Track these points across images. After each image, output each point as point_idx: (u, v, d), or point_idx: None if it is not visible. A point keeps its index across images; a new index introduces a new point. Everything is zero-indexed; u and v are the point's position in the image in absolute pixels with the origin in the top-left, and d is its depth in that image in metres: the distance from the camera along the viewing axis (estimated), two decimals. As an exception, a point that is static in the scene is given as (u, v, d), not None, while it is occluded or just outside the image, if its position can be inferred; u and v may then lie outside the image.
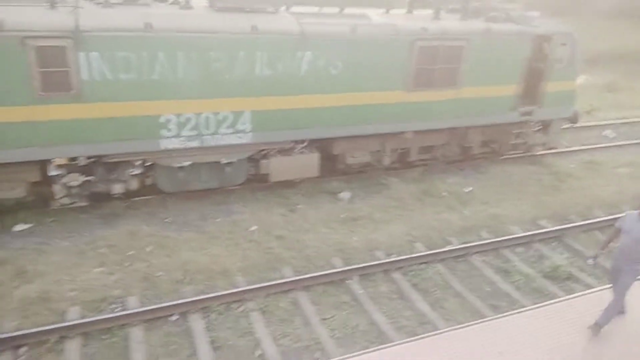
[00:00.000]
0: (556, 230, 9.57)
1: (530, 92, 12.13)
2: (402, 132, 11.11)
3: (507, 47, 11.32)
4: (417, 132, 11.28)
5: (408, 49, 10.18)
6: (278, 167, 10.20)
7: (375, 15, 10.57)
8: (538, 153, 13.38)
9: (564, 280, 8.30)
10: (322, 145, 10.67)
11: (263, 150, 10.01)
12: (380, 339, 6.75)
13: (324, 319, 6.99)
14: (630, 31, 41.78)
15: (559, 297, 7.58)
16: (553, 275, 8.34)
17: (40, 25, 7.46)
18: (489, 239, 9.22)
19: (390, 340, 6.56)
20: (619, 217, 6.32)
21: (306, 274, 7.80)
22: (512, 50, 11.41)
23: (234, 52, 8.79)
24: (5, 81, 7.47)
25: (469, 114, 11.53)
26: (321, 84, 9.70)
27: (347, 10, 10.40)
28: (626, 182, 12.12)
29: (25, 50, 7.41)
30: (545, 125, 13.01)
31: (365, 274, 7.97)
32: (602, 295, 6.89)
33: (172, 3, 9.15)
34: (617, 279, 6.19)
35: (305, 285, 7.52)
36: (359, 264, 8.14)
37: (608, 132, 15.96)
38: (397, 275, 8.00)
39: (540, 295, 7.82)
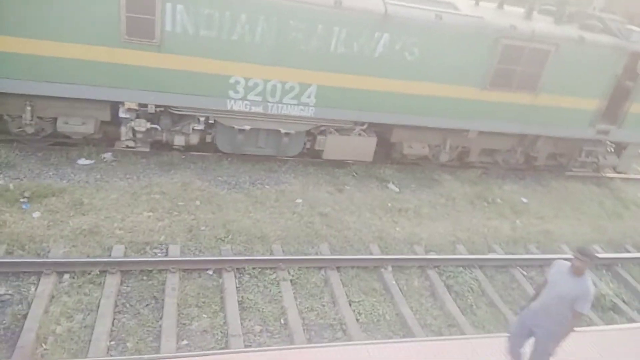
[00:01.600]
0: (609, 258, 9.08)
1: (612, 110, 11.38)
2: (467, 131, 10.80)
3: (597, 60, 10.60)
4: (482, 133, 10.91)
5: (491, 45, 9.77)
6: (333, 146, 10.22)
7: (464, 5, 10.18)
8: (607, 175, 12.62)
9: (607, 310, 7.92)
10: (380, 131, 10.57)
11: (322, 126, 10.05)
12: (403, 331, 6.74)
13: (352, 302, 7.03)
14: None
15: (597, 325, 7.25)
16: (596, 303, 7.94)
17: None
18: (536, 254, 8.89)
19: (413, 335, 6.54)
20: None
21: (342, 254, 7.88)
22: (602, 63, 10.67)
23: (313, 24, 8.77)
24: (96, 22, 7.87)
25: (542, 122, 10.99)
26: (394, 68, 9.52)
27: None
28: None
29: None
30: (620, 147, 12.22)
31: (400, 265, 7.93)
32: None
33: None
34: (527, 335, 5.17)
35: (339, 265, 7.59)
36: (396, 254, 8.11)
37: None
38: (432, 273, 7.90)
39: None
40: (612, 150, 12.33)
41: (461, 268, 8.14)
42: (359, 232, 8.57)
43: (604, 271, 8.97)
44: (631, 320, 7.67)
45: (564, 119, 11.09)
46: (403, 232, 8.83)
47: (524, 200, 10.90)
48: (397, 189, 10.37)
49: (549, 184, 11.84)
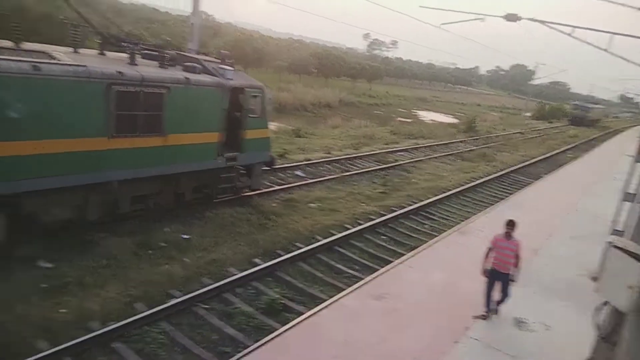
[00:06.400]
0: (268, 266, 10.45)
1: (233, 139, 13.08)
2: (108, 182, 10.32)
3: (207, 97, 11.97)
4: (125, 182, 10.65)
5: (104, 93, 9.62)
6: None
7: (61, 53, 9.64)
8: (245, 195, 14.46)
9: (279, 313, 9.03)
10: (5, 203, 8.88)
11: None
12: None
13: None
14: (300, 85, 50.40)
15: (276, 329, 8.02)
16: (268, 309, 9.00)
17: None
18: (210, 285, 9.35)
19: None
20: None
21: (-1, 369, 6.30)
22: (212, 100, 12.11)
23: None
24: None
25: (177, 161, 11.61)
26: None
27: (25, 45, 9.22)
28: (318, 215, 14.29)
29: None
30: (248, 170, 14.19)
31: (79, 350, 6.94)
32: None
33: None
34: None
35: (-2, 384, 6.04)
36: (70, 341, 7.03)
37: (299, 172, 18.60)
38: (119, 346, 7.25)
39: (262, 332, 8.28)
40: (244, 172, 14.18)
41: (145, 327, 7.79)
42: (17, 333, 7.02)
43: (268, 279, 10.24)
44: (300, 313, 8.86)
45: (195, 154, 12.05)
46: (72, 313, 7.76)
47: (186, 236, 11.30)
48: (49, 264, 9.01)
49: (203, 216, 12.62)
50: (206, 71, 12.30)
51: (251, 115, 13.32)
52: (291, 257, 11.05)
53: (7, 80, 8.16)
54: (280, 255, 11.15)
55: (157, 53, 11.85)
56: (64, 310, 7.80)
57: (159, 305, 8.39)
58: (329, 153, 23.16)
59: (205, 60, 12.84)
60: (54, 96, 8.89)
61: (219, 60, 13.35)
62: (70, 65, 9.21)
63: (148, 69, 10.79)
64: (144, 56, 11.70)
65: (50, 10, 28.25)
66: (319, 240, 12.31)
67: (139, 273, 9.38)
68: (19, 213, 9.14)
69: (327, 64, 68.95)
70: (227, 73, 12.53)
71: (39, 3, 38.83)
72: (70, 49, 10.20)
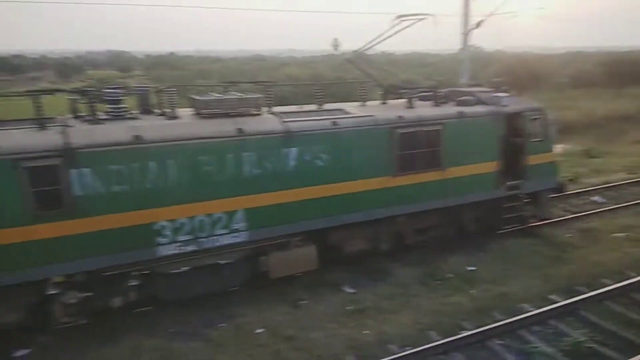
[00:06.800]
0: (569, 303, 9.34)
1: (513, 167, 12.46)
2: (395, 216, 11.19)
3: (482, 127, 11.82)
4: (409, 215, 11.38)
5: (388, 136, 10.59)
6: (277, 263, 10.08)
7: (352, 108, 11.07)
8: (533, 225, 13.45)
9: (587, 357, 7.96)
10: (318, 237, 10.60)
11: (260, 247, 9.92)
12: None
13: None
14: (586, 99, 44.41)
15: None
16: (575, 352, 8.01)
17: (31, 147, 7.67)
18: (503, 319, 8.92)
19: None
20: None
21: (321, 377, 7.40)
22: (487, 129, 11.89)
23: (223, 154, 9.09)
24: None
25: (456, 193, 11.72)
26: (309, 176, 9.97)
27: (325, 106, 10.95)
28: (626, 246, 12.16)
29: (18, 170, 7.52)
30: (534, 197, 13.21)
31: (382, 371, 7.57)
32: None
33: (159, 114, 9.52)
34: None
35: (321, 390, 7.08)
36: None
37: (597, 198, 16.29)
38: (415, 369, 7.61)
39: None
40: (530, 201, 13.26)
41: (441, 356, 7.94)
42: (330, 347, 8.17)
43: (569, 318, 9.13)
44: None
45: (474, 185, 11.92)
46: (372, 334, 8.56)
47: (471, 268, 11.18)
48: (352, 290, 10.24)
49: (486, 247, 12.29)
50: (479, 102, 12.25)
51: (532, 140, 12.52)
52: (597, 294, 9.63)
53: (314, 136, 9.92)
54: (582, 292, 9.83)
55: (431, 93, 12.48)
56: (366, 332, 8.67)
57: (451, 335, 8.45)
58: (634, 173, 19.58)
59: (478, 92, 12.82)
60: (350, 144, 10.31)
61: (492, 89, 13.15)
62: (360, 117, 10.60)
63: (423, 110, 11.46)
64: (421, 98, 12.47)
65: (339, 73, 33.25)
66: (632, 277, 10.40)
67: (428, 302, 9.71)
68: (326, 245, 10.79)
69: (619, 71, 59.13)
70: (501, 100, 12.22)
71: (331, 69, 46.20)
72: (359, 103, 11.73)
